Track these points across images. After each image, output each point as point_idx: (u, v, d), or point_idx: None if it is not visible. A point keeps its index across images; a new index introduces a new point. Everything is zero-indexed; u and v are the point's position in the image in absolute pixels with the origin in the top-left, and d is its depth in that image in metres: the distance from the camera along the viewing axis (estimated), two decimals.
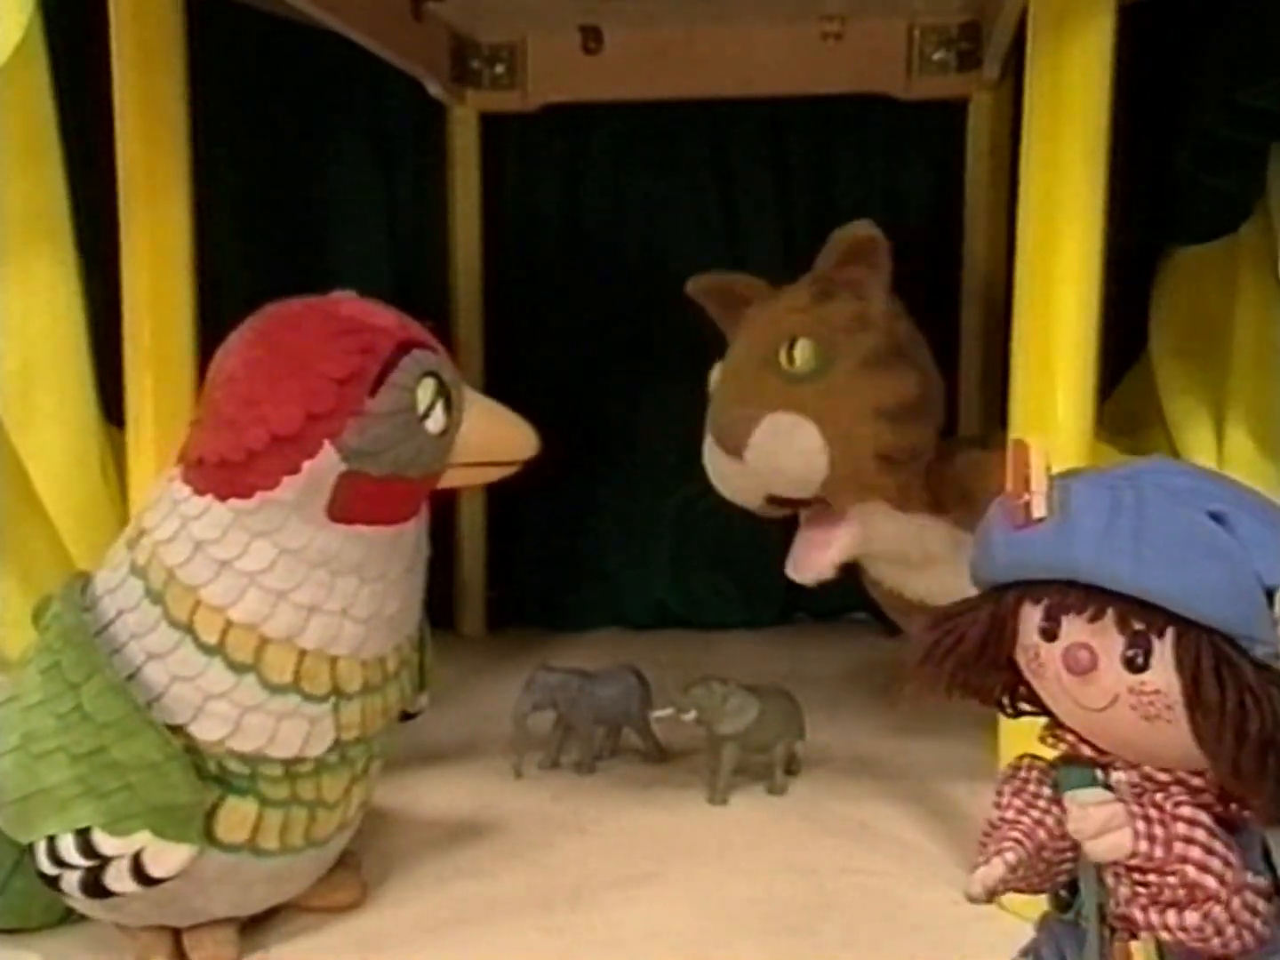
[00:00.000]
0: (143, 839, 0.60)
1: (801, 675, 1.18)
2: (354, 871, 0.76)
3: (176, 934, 0.67)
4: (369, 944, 0.70)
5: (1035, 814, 0.48)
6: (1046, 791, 0.48)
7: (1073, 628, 0.44)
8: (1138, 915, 0.44)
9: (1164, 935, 0.43)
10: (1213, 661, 0.41)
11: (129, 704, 0.61)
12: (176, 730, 0.62)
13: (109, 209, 0.79)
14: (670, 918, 0.73)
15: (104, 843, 0.60)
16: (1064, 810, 0.46)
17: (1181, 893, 0.42)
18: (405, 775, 0.95)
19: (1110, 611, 0.42)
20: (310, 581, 0.63)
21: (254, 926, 0.70)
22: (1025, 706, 0.49)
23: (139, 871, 0.61)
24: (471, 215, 1.35)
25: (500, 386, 1.36)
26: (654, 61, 1.28)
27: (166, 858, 0.61)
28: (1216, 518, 0.41)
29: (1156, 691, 0.42)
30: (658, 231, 1.43)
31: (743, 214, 1.42)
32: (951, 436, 1.05)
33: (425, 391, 0.63)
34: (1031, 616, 0.45)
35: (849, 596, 1.34)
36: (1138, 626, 0.42)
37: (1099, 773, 0.46)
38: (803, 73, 1.27)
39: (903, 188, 1.40)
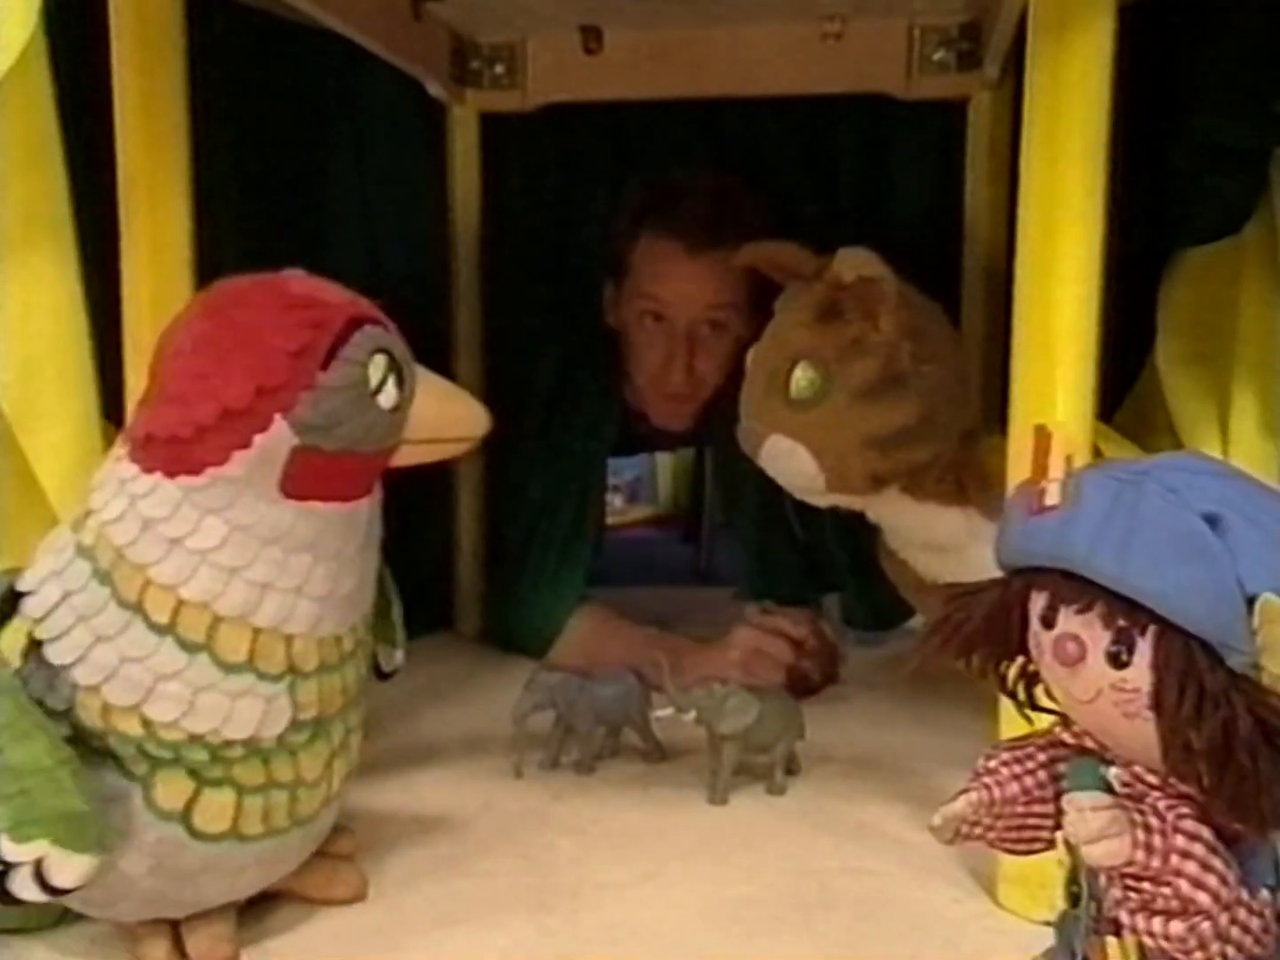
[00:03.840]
0: (42, 847, 0.59)
1: None
2: (355, 866, 0.76)
3: (175, 930, 0.67)
4: (367, 942, 0.70)
5: (1018, 769, 0.49)
6: (1043, 758, 0.49)
7: (1066, 618, 0.44)
8: (1124, 918, 0.44)
9: (1148, 941, 0.44)
10: (1181, 665, 0.41)
11: (19, 707, 0.60)
12: (129, 711, 0.62)
13: (109, 209, 0.79)
14: (670, 918, 0.73)
15: (6, 849, 0.59)
16: (1057, 791, 0.47)
17: (1174, 903, 0.42)
18: (405, 775, 0.95)
19: (1097, 605, 0.43)
20: (263, 559, 0.62)
21: (252, 921, 0.71)
22: (1046, 702, 0.49)
23: (41, 880, 0.59)
24: (471, 215, 1.35)
25: (500, 385, 1.37)
26: (654, 61, 1.28)
27: (67, 867, 0.59)
28: (1209, 519, 0.41)
29: (1136, 690, 0.42)
30: None
31: None
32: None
33: (377, 367, 0.63)
34: (1037, 603, 0.46)
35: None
36: (1121, 623, 0.42)
37: (1103, 768, 0.46)
38: (803, 73, 1.27)
39: (903, 188, 1.40)
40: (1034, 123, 0.68)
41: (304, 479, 0.62)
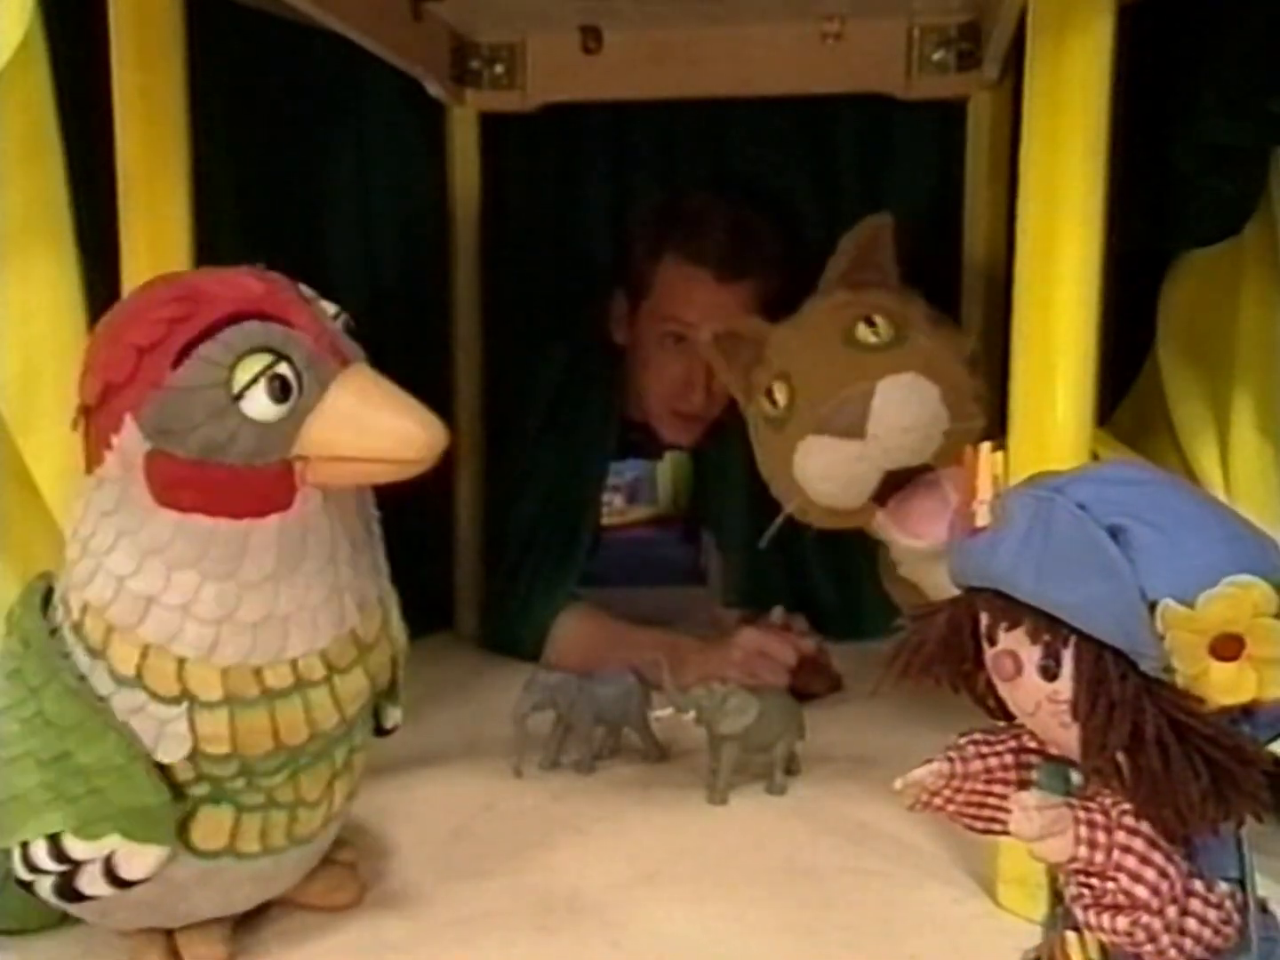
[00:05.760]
0: (113, 842, 0.59)
1: None
2: (353, 872, 0.76)
3: (170, 934, 0.67)
4: (367, 944, 0.70)
5: (984, 749, 0.51)
6: (1012, 744, 0.51)
7: (1003, 635, 0.46)
8: (1079, 913, 0.45)
9: (1101, 936, 0.45)
10: (1093, 675, 0.43)
11: (88, 708, 0.59)
12: None
13: (109, 209, 0.79)
14: (670, 918, 0.73)
15: (75, 847, 0.59)
16: (1020, 779, 0.50)
17: (1121, 898, 0.43)
18: (405, 775, 0.95)
19: (1025, 622, 0.45)
20: (146, 569, 0.58)
21: (249, 926, 0.70)
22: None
23: (112, 875, 0.60)
24: (471, 215, 1.35)
25: (500, 386, 1.37)
26: (654, 61, 1.28)
27: (138, 860, 0.60)
28: (1114, 531, 0.43)
29: (1065, 700, 0.44)
30: None
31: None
32: None
33: (246, 369, 0.56)
34: (983, 620, 0.48)
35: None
36: (1046, 638, 0.44)
37: (1073, 773, 0.47)
38: (803, 73, 1.27)
39: (903, 188, 1.40)
40: (1034, 123, 0.68)
41: (169, 486, 0.57)
